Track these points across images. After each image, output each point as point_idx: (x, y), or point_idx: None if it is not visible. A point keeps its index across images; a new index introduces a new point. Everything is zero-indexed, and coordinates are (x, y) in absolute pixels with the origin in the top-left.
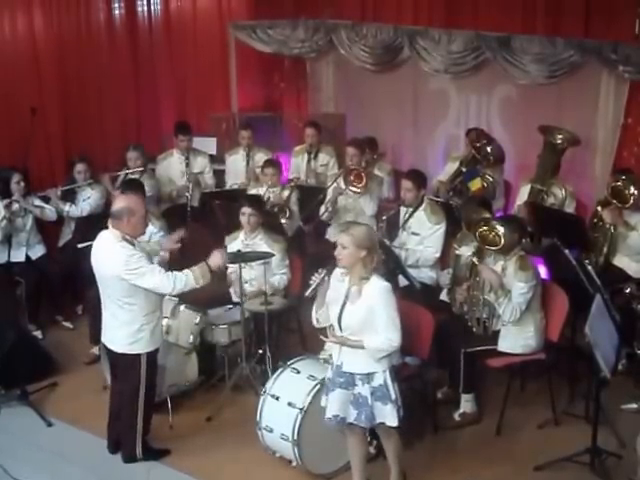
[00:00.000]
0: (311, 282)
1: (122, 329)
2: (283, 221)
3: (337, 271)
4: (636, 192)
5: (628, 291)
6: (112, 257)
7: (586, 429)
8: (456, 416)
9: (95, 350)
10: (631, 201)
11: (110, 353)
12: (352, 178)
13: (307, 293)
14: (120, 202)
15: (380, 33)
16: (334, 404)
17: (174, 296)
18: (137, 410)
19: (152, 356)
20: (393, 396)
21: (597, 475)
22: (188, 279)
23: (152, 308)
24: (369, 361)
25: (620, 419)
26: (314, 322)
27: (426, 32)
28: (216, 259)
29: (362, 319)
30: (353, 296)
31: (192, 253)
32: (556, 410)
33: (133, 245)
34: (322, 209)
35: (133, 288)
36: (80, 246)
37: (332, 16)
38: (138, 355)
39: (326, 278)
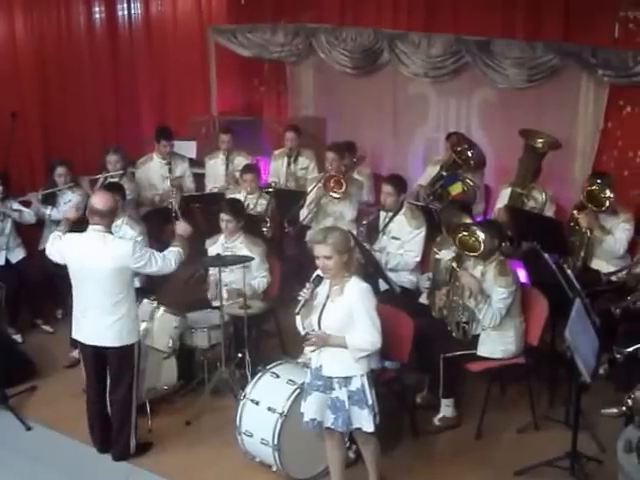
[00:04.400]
0: (300, 298)
1: (120, 322)
2: (264, 230)
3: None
4: (611, 196)
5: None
6: (116, 250)
7: (566, 434)
8: (436, 420)
9: (75, 354)
10: (606, 205)
11: (99, 352)
12: (332, 184)
13: (297, 310)
14: (108, 200)
15: (360, 37)
16: (312, 407)
17: (152, 299)
18: (131, 405)
19: (140, 345)
20: (370, 401)
21: None
22: (180, 252)
23: (135, 296)
24: (348, 364)
25: (600, 424)
26: (300, 330)
27: (406, 36)
28: (183, 227)
29: (341, 318)
30: (334, 294)
31: None
32: (536, 415)
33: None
34: (303, 213)
35: (129, 279)
36: None
37: (312, 20)
38: (132, 345)
39: (315, 291)
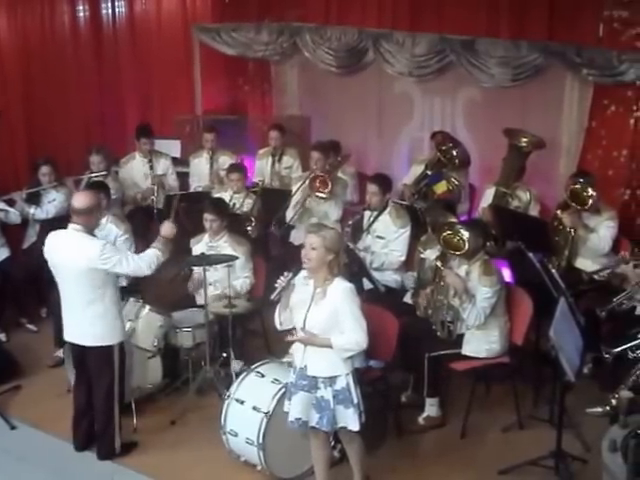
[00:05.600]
0: (277, 285)
1: (96, 322)
2: (248, 229)
3: (301, 274)
4: (594, 194)
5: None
6: (86, 250)
7: (551, 433)
8: (420, 420)
9: (59, 353)
10: (590, 203)
11: (79, 350)
12: (317, 184)
13: (273, 296)
14: (86, 199)
15: (344, 36)
16: (297, 407)
17: (138, 298)
18: (113, 404)
19: (121, 347)
20: (355, 400)
21: (562, 479)
22: (158, 255)
23: (117, 297)
24: (333, 364)
25: (585, 423)
26: (277, 325)
27: (390, 35)
28: (167, 229)
29: (325, 319)
30: (317, 297)
31: None
32: (520, 414)
33: (96, 236)
34: (289, 214)
35: (105, 278)
36: None
37: (296, 19)
38: (111, 347)
39: (292, 281)
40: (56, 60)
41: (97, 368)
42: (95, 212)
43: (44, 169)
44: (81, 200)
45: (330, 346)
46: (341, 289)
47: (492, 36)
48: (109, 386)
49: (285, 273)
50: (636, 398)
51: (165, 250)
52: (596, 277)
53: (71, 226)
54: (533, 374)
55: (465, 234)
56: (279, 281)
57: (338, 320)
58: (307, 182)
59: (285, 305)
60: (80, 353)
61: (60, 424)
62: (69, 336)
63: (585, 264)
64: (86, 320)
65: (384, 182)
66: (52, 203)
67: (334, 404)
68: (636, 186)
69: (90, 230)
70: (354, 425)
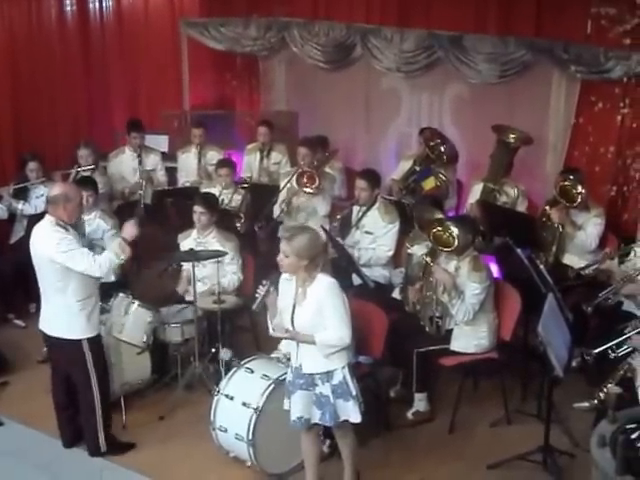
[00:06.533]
0: (257, 295)
1: (59, 314)
2: (237, 225)
3: (284, 275)
4: (583, 191)
5: None
6: (46, 240)
7: (539, 428)
8: (409, 415)
9: None
10: (578, 200)
11: (49, 340)
12: (305, 180)
13: (254, 307)
14: (56, 189)
15: (332, 31)
16: (297, 406)
17: (128, 294)
18: (94, 402)
19: (94, 342)
20: (354, 392)
21: (550, 474)
22: (111, 257)
23: (86, 294)
24: (328, 359)
25: (573, 417)
26: (270, 331)
27: (378, 30)
28: (128, 230)
29: (311, 319)
30: (300, 298)
31: (145, 250)
32: (509, 409)
33: (67, 230)
34: (276, 210)
35: (66, 272)
36: None
37: (284, 14)
38: (79, 341)
39: (271, 289)
40: (43, 55)
41: (68, 363)
42: (62, 203)
43: (31, 165)
44: (51, 189)
45: (314, 342)
46: (324, 285)
47: (480, 32)
48: (85, 382)
49: (263, 282)
50: (624, 393)
51: (121, 253)
52: (583, 273)
53: (46, 216)
54: (521, 369)
55: (455, 230)
56: (258, 291)
57: (323, 316)
58: (294, 178)
59: (274, 312)
60: (49, 344)
61: (49, 420)
62: (40, 324)
63: (572, 260)
64: (51, 310)
65: (373, 178)
66: (40, 198)
67: (334, 399)
68: (623, 183)
69: (60, 221)
70: (356, 417)
